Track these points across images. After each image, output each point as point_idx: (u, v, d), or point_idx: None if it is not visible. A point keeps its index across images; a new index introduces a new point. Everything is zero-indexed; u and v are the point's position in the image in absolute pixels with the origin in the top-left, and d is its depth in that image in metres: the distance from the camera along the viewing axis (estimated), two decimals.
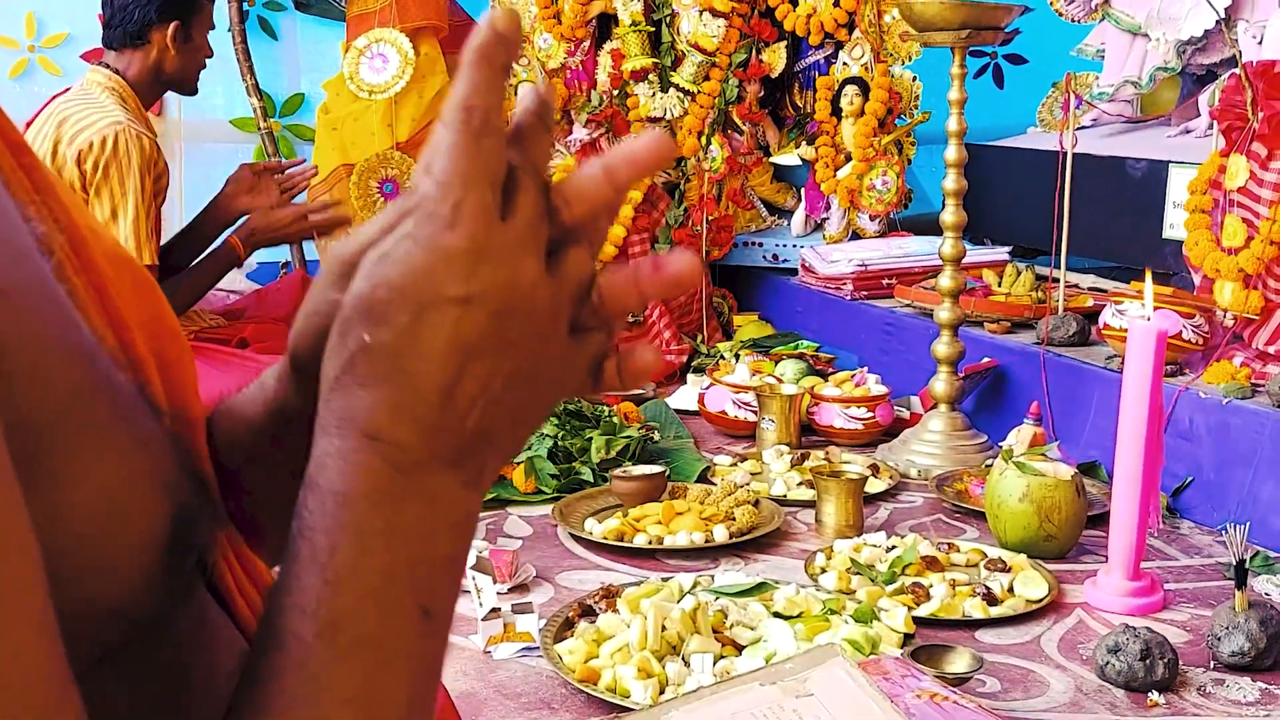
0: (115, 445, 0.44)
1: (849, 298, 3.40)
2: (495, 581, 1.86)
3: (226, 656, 0.52)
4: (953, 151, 2.55)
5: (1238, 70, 2.48)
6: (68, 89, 2.83)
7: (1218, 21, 3.25)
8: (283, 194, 2.93)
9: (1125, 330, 2.09)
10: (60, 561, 0.40)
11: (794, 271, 3.74)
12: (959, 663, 1.59)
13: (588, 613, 1.76)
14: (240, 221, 2.95)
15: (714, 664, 1.58)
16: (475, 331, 0.46)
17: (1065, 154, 2.67)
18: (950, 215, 2.57)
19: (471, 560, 1.86)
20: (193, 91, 2.92)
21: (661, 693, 1.54)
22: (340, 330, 0.47)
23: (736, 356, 3.22)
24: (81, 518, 0.42)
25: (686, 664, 1.59)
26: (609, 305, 0.51)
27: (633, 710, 1.48)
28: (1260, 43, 3.11)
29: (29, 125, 2.77)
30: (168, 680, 0.47)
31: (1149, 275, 2.04)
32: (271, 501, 0.68)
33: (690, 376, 3.26)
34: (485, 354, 0.47)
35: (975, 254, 3.40)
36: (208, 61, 2.91)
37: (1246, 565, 1.72)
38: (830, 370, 3.10)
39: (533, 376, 0.49)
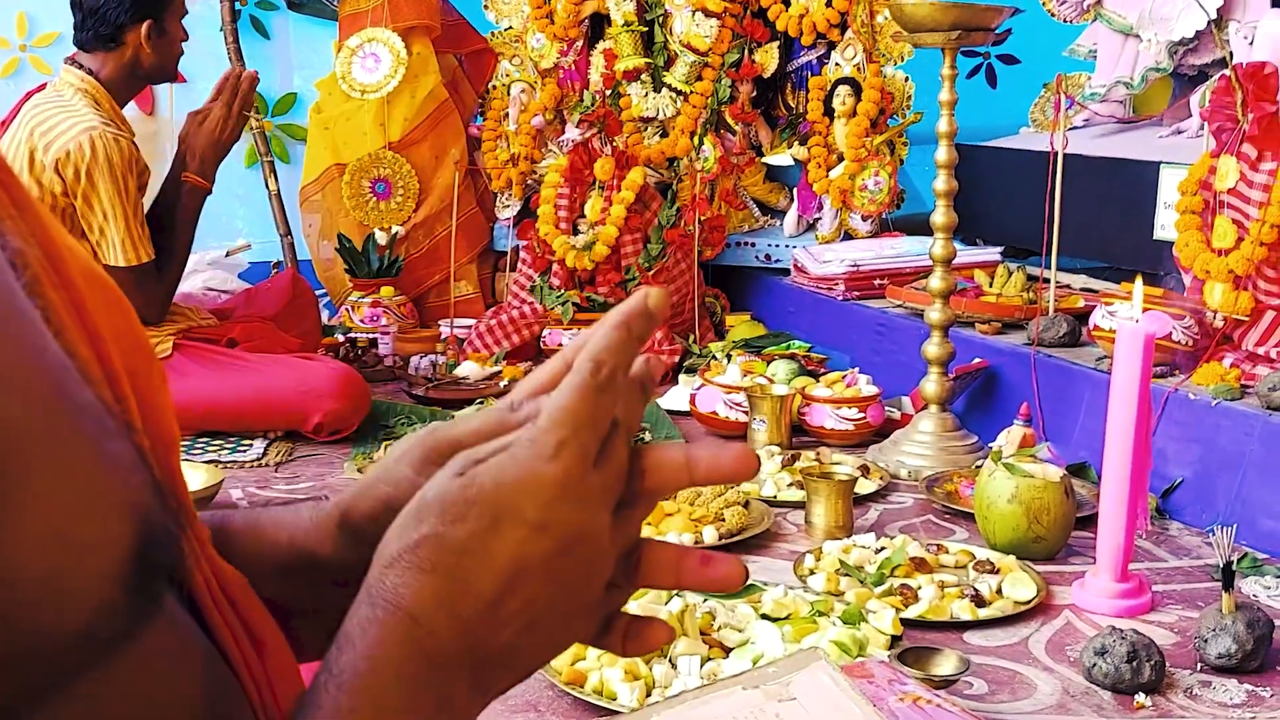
0: (76, 467, 0.44)
1: (841, 298, 3.40)
2: None
3: (195, 664, 0.52)
4: (943, 153, 2.55)
5: (1228, 71, 2.48)
6: (42, 86, 2.81)
7: (1209, 22, 3.25)
8: (241, 114, 2.88)
9: (1115, 331, 2.09)
10: (15, 589, 0.40)
11: (786, 272, 3.74)
12: (946, 665, 1.59)
13: None
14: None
15: (701, 666, 1.58)
16: (538, 557, 0.50)
17: (1056, 155, 2.67)
18: (940, 216, 2.57)
19: None
20: (172, 79, 2.90)
21: (648, 695, 1.54)
22: (416, 513, 0.51)
23: (728, 357, 3.22)
24: (38, 544, 0.42)
25: (673, 666, 1.59)
26: (645, 574, 0.55)
27: (617, 714, 1.47)
28: (1251, 43, 3.12)
29: (3, 129, 2.75)
30: (133, 694, 0.47)
31: (1139, 280, 2.04)
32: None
33: (682, 377, 3.26)
34: (538, 579, 0.50)
35: (967, 254, 3.41)
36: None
37: (1234, 567, 1.72)
38: (822, 371, 3.11)
39: (567, 613, 0.52)
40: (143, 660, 0.46)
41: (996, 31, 2.56)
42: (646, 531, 2.12)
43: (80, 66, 2.73)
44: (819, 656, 1.13)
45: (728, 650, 1.65)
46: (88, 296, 0.52)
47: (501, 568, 0.50)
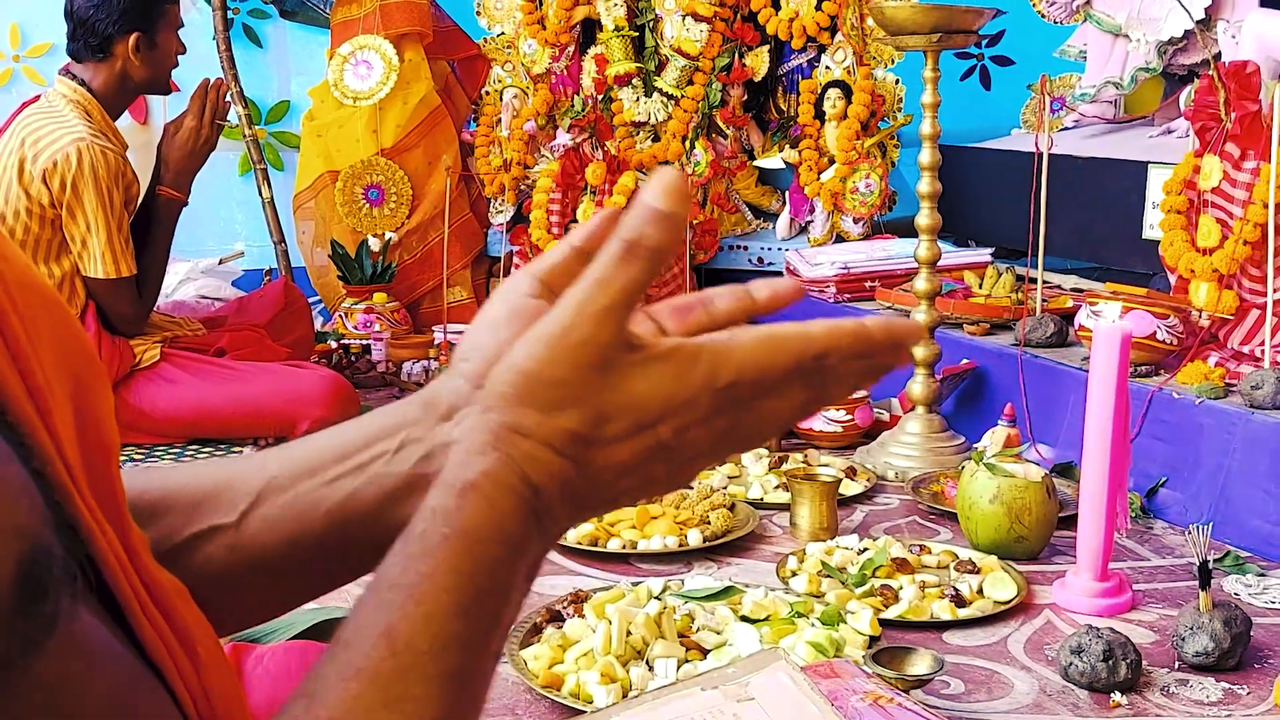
0: None
1: (832, 300, 3.41)
2: None
3: (99, 688, 0.52)
4: (926, 155, 2.55)
5: (1211, 71, 2.49)
6: (37, 97, 2.83)
7: (1197, 22, 3.26)
8: (215, 123, 2.90)
9: None
10: None
11: (779, 274, 3.74)
12: (920, 665, 1.59)
13: (555, 618, 1.76)
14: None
15: (678, 668, 1.59)
16: (663, 461, 0.54)
17: (1041, 155, 2.68)
18: (925, 218, 2.58)
19: None
20: (166, 91, 2.92)
21: (625, 697, 1.54)
22: (560, 395, 0.52)
23: None
24: None
25: (650, 668, 1.59)
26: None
27: (583, 714, 1.48)
28: (1238, 42, 3.12)
29: None
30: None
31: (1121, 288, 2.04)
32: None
33: None
34: (650, 475, 0.54)
35: (958, 255, 3.41)
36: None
37: (1211, 565, 1.72)
38: None
39: (692, 473, 0.56)
40: (30, 689, 0.46)
41: (979, 33, 2.56)
42: (631, 536, 2.13)
43: (73, 77, 2.75)
44: (779, 656, 1.14)
45: (706, 652, 1.66)
46: (22, 307, 0.53)
47: (620, 466, 0.52)
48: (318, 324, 3.54)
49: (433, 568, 0.50)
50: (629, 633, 1.63)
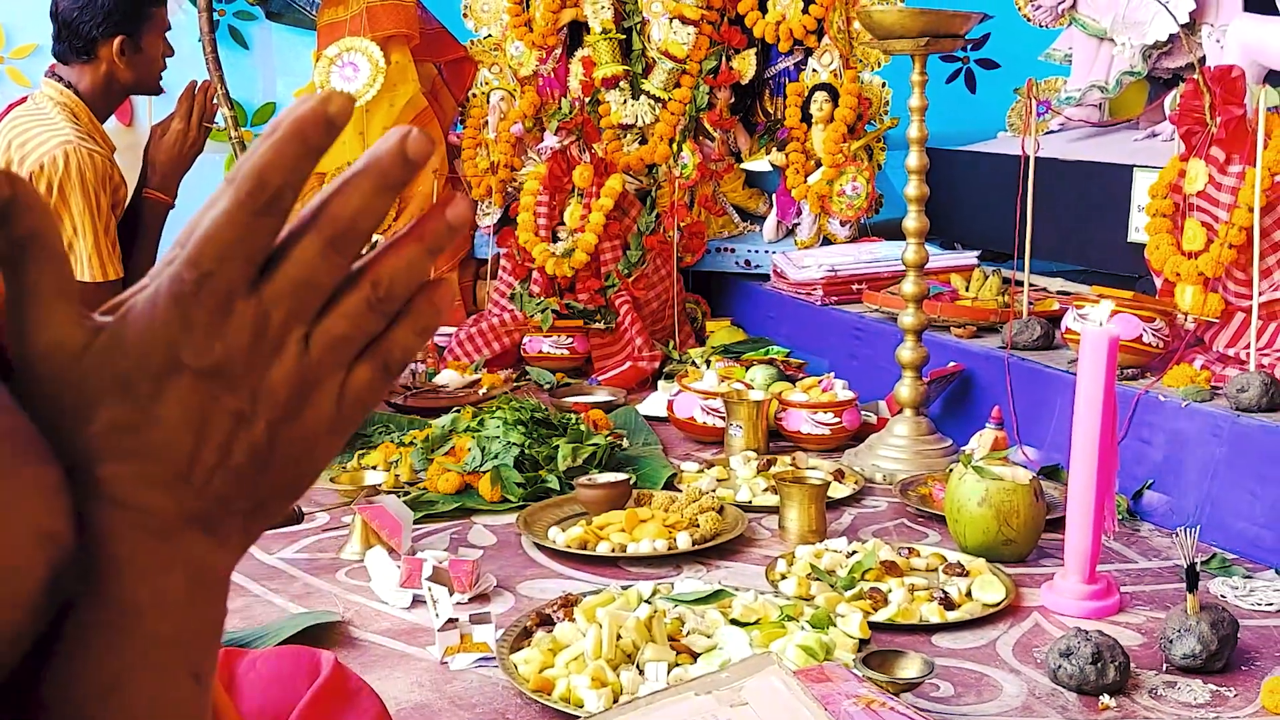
0: None
1: (819, 303, 3.42)
2: (454, 592, 1.86)
3: None
4: (914, 158, 2.56)
5: (1196, 75, 2.50)
6: (23, 99, 2.82)
7: (1182, 26, 3.27)
8: (202, 126, 2.90)
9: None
10: None
11: (766, 277, 3.75)
12: (910, 668, 1.60)
13: (546, 622, 1.76)
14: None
15: (668, 672, 1.59)
16: (213, 401, 0.46)
17: (1027, 159, 2.69)
18: (912, 221, 2.59)
19: (428, 571, 1.86)
20: (156, 92, 2.91)
21: (615, 701, 1.54)
22: (81, 399, 0.46)
23: (707, 362, 3.23)
24: None
25: (641, 672, 1.60)
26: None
27: (575, 718, 1.48)
28: (1222, 46, 3.14)
29: None
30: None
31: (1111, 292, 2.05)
32: None
33: (661, 383, 3.27)
34: (227, 422, 0.46)
35: (945, 258, 3.42)
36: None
37: (1198, 568, 1.73)
38: (800, 376, 3.12)
39: (294, 438, 0.48)
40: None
41: (966, 37, 2.57)
42: (620, 539, 2.13)
43: (59, 79, 2.74)
44: (772, 661, 1.14)
45: (696, 656, 1.66)
46: None
47: (181, 423, 0.45)
48: None
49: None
50: (619, 636, 1.63)
